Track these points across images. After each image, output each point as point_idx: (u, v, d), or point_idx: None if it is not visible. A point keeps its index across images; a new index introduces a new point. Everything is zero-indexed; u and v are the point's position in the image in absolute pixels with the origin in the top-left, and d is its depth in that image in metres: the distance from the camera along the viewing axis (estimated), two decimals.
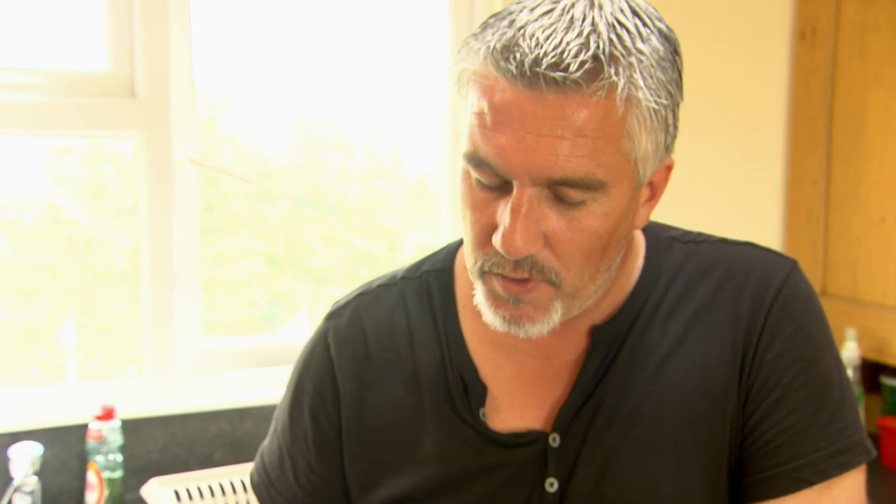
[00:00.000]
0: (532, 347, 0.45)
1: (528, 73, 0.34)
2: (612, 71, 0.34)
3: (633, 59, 0.35)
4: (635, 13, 0.37)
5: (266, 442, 0.54)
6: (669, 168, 0.43)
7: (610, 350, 0.46)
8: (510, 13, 0.38)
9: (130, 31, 0.98)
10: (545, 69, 0.34)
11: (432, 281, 0.50)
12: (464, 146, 0.39)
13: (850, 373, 1.13)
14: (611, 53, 0.35)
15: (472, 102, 0.38)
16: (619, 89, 0.35)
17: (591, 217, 0.38)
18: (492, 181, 0.38)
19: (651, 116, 0.37)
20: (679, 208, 1.25)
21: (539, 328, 0.41)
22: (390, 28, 1.18)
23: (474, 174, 0.39)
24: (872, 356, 1.20)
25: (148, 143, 0.98)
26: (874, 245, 1.17)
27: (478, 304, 0.42)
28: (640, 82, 0.36)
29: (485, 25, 0.39)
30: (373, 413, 0.49)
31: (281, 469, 0.51)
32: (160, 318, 0.99)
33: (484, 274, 0.41)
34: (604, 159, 0.36)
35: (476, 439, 0.46)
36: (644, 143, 0.38)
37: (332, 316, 0.51)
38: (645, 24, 0.37)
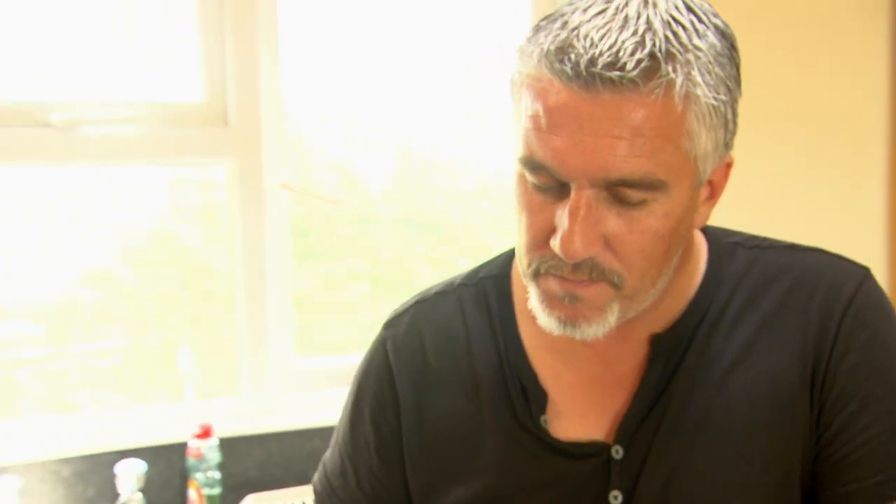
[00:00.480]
0: (592, 353, 0.45)
1: (583, 73, 0.34)
2: (670, 68, 0.34)
3: (690, 56, 0.35)
4: (690, 10, 0.37)
5: (328, 452, 0.54)
6: (729, 165, 0.42)
7: (672, 358, 0.44)
8: (562, 15, 0.37)
9: (223, 62, 1.03)
10: (601, 69, 0.33)
11: (489, 287, 0.50)
12: (519, 150, 0.39)
13: None
14: (667, 51, 0.34)
15: (527, 106, 0.38)
16: (678, 87, 0.34)
17: (651, 217, 0.38)
18: (548, 184, 0.38)
19: (710, 113, 0.36)
20: (772, 214, 1.22)
21: (595, 330, 0.40)
22: (493, 50, 1.20)
23: (530, 178, 0.38)
24: None
25: (241, 170, 1.02)
26: None
27: (532, 307, 0.41)
28: (699, 79, 0.35)
29: (537, 28, 0.39)
30: (432, 421, 0.49)
31: (343, 477, 0.52)
32: (255, 338, 1.02)
33: (539, 276, 0.40)
34: (663, 158, 0.36)
35: (537, 447, 0.46)
36: (704, 140, 0.37)
37: (391, 324, 0.52)
38: (701, 21, 0.37)
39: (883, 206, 1.27)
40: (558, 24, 0.37)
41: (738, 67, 0.39)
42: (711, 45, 0.36)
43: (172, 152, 1.04)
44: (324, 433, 1.14)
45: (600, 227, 0.37)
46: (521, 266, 0.42)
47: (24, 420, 1.06)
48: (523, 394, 0.46)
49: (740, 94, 0.39)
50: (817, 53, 1.24)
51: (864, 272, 0.46)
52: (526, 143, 0.38)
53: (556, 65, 0.35)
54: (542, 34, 0.37)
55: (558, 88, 0.36)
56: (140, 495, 0.97)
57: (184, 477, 1.01)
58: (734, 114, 0.39)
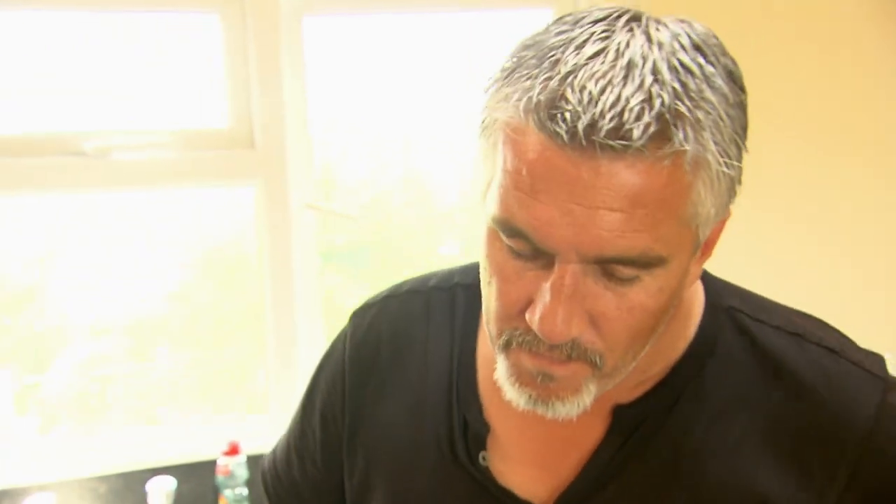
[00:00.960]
0: None
1: (581, 139, 0.28)
2: (680, 134, 0.28)
3: (700, 114, 0.29)
4: (697, 47, 0.31)
5: (281, 437, 0.53)
6: (725, 220, 0.36)
7: (636, 434, 0.38)
8: (551, 50, 0.30)
9: (248, 89, 1.06)
10: (604, 137, 0.27)
11: (460, 295, 0.45)
12: (494, 209, 0.32)
13: None
14: (676, 110, 0.28)
15: (506, 159, 0.31)
16: (688, 155, 0.29)
17: (643, 293, 0.32)
18: (528, 251, 0.32)
19: (719, 179, 0.31)
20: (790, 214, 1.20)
21: (569, 409, 0.35)
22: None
23: (506, 241, 0.32)
24: None
25: (267, 191, 1.04)
26: None
27: (498, 378, 0.36)
28: (710, 142, 0.30)
29: (517, 60, 0.31)
30: (371, 427, 0.45)
31: (288, 465, 0.50)
32: (283, 356, 1.04)
33: (510, 348, 0.34)
34: (663, 231, 0.31)
35: (470, 486, 0.41)
36: (708, 207, 0.32)
37: (357, 315, 0.48)
38: (709, 62, 0.31)
39: None
40: (547, 63, 0.30)
41: (746, 113, 0.33)
42: (723, 96, 0.31)
43: (201, 176, 1.07)
44: None
45: (586, 304, 0.32)
46: (489, 332, 0.36)
47: (59, 438, 1.09)
48: (464, 424, 0.41)
49: (746, 147, 0.33)
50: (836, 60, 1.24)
51: (885, 386, 0.39)
52: (503, 202, 0.31)
53: (548, 123, 0.29)
54: (524, 71, 0.31)
55: (547, 148, 0.29)
56: None
57: (214, 493, 1.02)
58: (740, 171, 0.33)
